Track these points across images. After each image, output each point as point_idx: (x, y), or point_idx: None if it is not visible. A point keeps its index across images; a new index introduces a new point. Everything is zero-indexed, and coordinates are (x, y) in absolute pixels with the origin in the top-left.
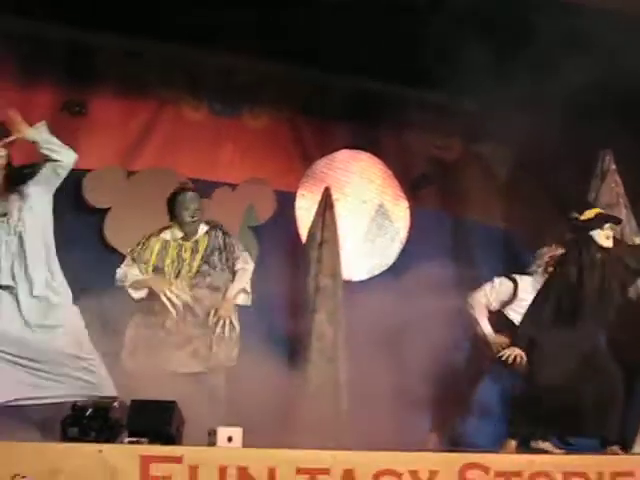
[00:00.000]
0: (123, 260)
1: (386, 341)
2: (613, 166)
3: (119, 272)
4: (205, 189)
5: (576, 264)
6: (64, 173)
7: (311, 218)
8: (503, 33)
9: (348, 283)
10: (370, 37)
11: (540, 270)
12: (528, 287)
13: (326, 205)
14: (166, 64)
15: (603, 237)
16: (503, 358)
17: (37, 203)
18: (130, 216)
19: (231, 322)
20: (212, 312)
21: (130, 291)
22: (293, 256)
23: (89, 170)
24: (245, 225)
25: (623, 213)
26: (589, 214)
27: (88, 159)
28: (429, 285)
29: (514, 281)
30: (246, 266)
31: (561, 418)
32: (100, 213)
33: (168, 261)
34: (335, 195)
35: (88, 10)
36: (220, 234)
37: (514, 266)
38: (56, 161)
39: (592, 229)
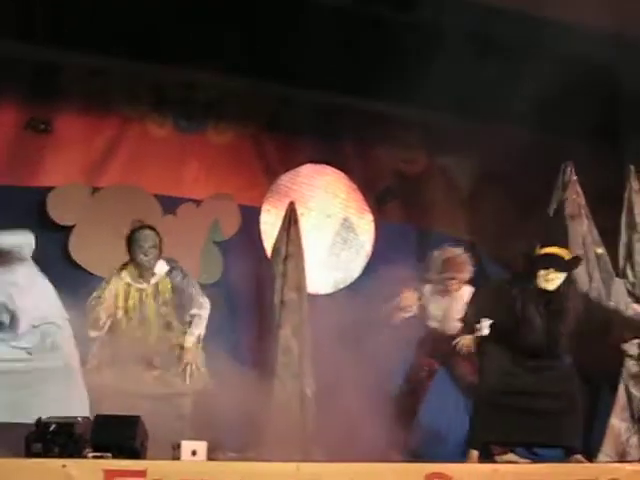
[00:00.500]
0: (89, 277)
1: (351, 354)
2: (574, 177)
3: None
4: (170, 205)
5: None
6: None
7: (276, 233)
8: (469, 47)
9: (313, 297)
10: (335, 51)
11: None
12: None
13: (291, 220)
14: (131, 81)
15: (542, 280)
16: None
17: None
18: (95, 233)
19: (197, 366)
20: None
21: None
22: (258, 271)
23: (53, 187)
24: (210, 240)
25: (585, 224)
26: (539, 251)
27: (53, 176)
28: (394, 298)
29: None
30: (201, 312)
31: (521, 427)
32: (65, 230)
33: (130, 303)
34: (300, 210)
35: (53, 27)
36: (179, 275)
37: (479, 276)
38: None
39: (537, 268)
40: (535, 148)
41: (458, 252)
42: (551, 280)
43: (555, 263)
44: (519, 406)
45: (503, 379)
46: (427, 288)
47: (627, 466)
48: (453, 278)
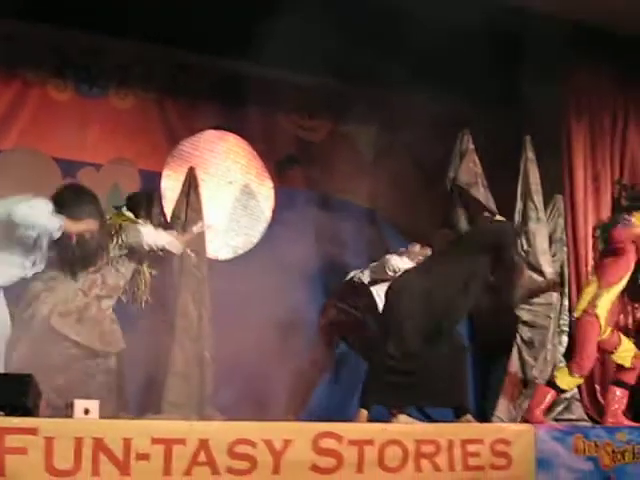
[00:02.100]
0: None
1: (250, 319)
2: (472, 146)
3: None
4: (70, 169)
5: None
6: None
7: (176, 198)
8: (370, 17)
9: (213, 262)
10: (237, 18)
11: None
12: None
13: (191, 185)
14: (34, 45)
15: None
16: None
17: None
18: None
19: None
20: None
21: None
22: None
23: None
24: (110, 205)
25: (481, 192)
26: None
27: None
28: (294, 264)
29: None
30: None
31: (410, 388)
32: None
33: None
34: (200, 175)
35: None
36: None
37: (380, 243)
38: None
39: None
40: (437, 116)
41: None
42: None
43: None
44: (410, 368)
45: (395, 346)
46: None
47: (512, 426)
48: None
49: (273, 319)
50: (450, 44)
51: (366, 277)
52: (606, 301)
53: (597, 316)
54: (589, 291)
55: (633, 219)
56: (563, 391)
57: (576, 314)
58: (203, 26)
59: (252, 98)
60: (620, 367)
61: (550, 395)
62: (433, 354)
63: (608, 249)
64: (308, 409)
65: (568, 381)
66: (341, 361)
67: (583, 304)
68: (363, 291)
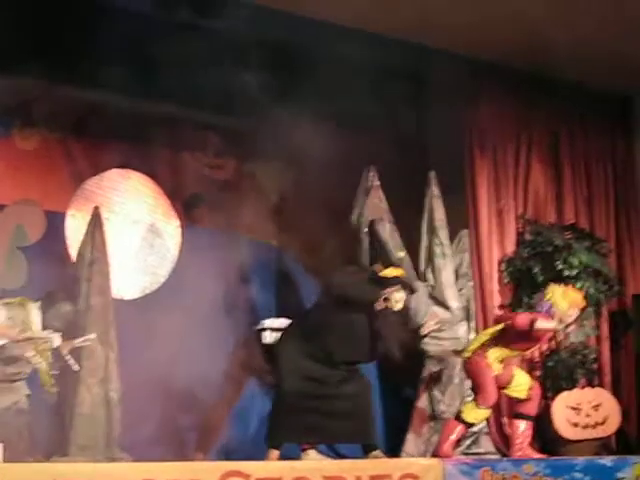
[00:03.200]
0: None
1: (158, 361)
2: (377, 182)
3: None
4: None
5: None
6: None
7: (81, 237)
8: (274, 54)
9: (120, 302)
10: (139, 57)
11: None
12: None
13: (95, 224)
14: None
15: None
16: None
17: None
18: None
19: None
20: None
21: None
22: (63, 276)
23: None
24: (14, 246)
25: (387, 228)
26: (389, 272)
27: None
28: (201, 303)
29: None
30: None
31: (318, 427)
32: None
33: None
34: (105, 214)
35: None
36: None
37: (288, 282)
38: None
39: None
40: (341, 154)
41: None
42: (399, 301)
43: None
44: (315, 407)
45: (299, 381)
46: None
47: (421, 461)
48: None
49: (180, 358)
50: (353, 81)
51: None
52: (497, 355)
53: (485, 357)
54: (483, 338)
55: (554, 309)
56: (471, 425)
57: (465, 354)
58: (107, 65)
59: (158, 136)
60: (519, 400)
61: (458, 429)
62: (338, 393)
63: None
64: (220, 447)
65: (475, 414)
66: (253, 398)
67: (474, 346)
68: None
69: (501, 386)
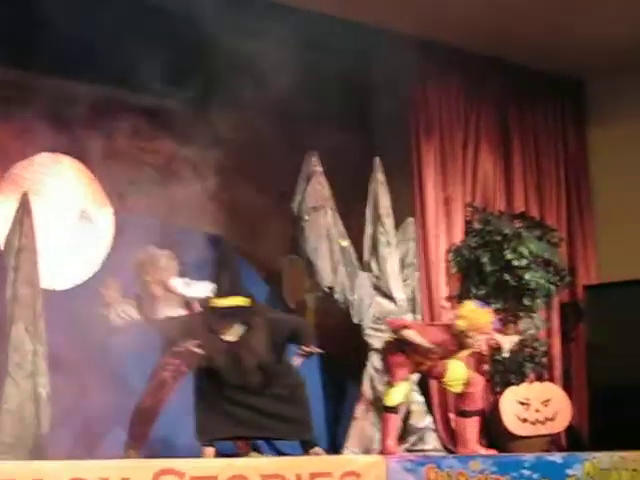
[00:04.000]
0: None
1: (90, 353)
2: (319, 168)
3: None
4: None
5: None
6: None
7: (8, 225)
8: (212, 35)
9: (50, 292)
10: (77, 36)
11: None
12: None
13: (24, 211)
14: None
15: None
16: None
17: None
18: None
19: None
20: None
21: None
22: None
23: None
24: None
25: (329, 215)
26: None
27: None
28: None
29: None
30: None
31: (248, 423)
32: None
33: None
34: (34, 201)
35: None
36: None
37: (227, 272)
38: None
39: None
40: (282, 139)
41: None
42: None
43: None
44: (246, 400)
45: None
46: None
47: (362, 458)
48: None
49: (113, 352)
50: (293, 62)
51: None
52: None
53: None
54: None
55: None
56: (393, 409)
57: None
58: (40, 45)
59: (90, 119)
60: (457, 395)
61: (391, 420)
62: (270, 391)
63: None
64: (154, 444)
65: (390, 396)
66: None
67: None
68: None
69: (436, 379)
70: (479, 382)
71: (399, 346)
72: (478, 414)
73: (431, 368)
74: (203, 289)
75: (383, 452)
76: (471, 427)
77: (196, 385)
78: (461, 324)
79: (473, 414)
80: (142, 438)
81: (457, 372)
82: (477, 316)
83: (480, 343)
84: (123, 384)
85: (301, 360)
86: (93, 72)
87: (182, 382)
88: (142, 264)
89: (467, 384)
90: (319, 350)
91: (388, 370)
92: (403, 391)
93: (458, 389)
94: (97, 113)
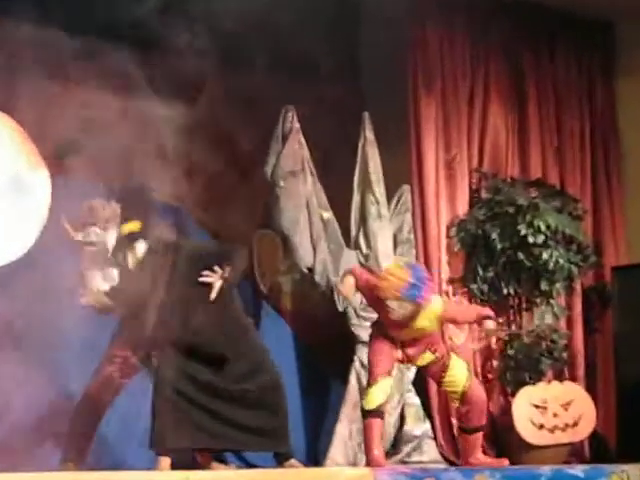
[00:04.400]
0: None
1: (24, 345)
2: (297, 125)
3: None
4: None
5: None
6: None
7: None
8: None
9: None
10: None
11: None
12: None
13: None
14: None
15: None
16: None
17: None
18: None
19: None
20: None
21: None
22: None
23: None
24: None
25: (309, 182)
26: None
27: None
28: (77, 273)
29: None
30: None
31: (214, 432)
32: None
33: None
34: None
35: None
36: None
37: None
38: None
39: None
40: (254, 90)
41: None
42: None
43: None
44: (209, 407)
45: (185, 376)
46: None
47: (347, 471)
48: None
49: (47, 345)
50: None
51: None
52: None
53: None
54: None
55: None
56: (374, 412)
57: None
58: None
59: (21, 66)
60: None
61: (376, 427)
62: (239, 389)
63: None
64: (96, 455)
65: (369, 397)
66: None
67: None
68: None
69: (433, 377)
70: (478, 397)
71: (380, 329)
72: (480, 430)
73: (430, 365)
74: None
75: (371, 464)
76: (474, 440)
77: (154, 382)
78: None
79: (473, 431)
80: (83, 447)
81: (457, 375)
82: (394, 276)
83: (399, 314)
84: (63, 378)
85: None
86: (28, 11)
87: (132, 378)
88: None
89: (465, 398)
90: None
91: (369, 363)
92: (384, 389)
93: (455, 401)
94: (30, 58)
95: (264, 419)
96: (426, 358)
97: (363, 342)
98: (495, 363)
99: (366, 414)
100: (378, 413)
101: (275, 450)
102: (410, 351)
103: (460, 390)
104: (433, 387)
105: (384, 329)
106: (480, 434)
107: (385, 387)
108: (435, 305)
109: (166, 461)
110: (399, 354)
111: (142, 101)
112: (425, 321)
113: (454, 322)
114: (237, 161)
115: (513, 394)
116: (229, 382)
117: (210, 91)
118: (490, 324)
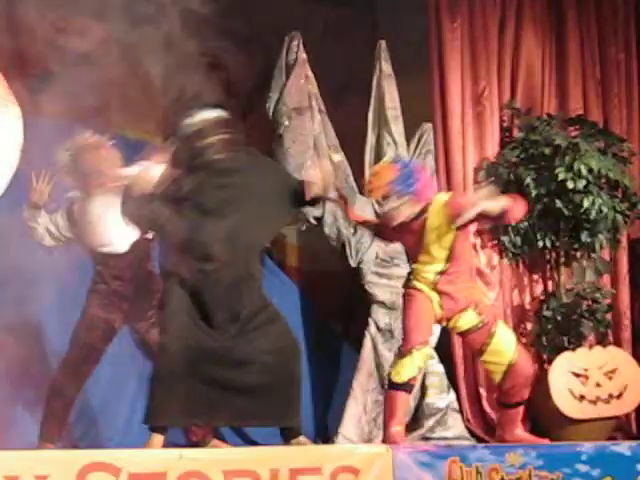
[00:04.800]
0: None
1: None
2: (303, 55)
3: None
4: None
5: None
6: None
7: None
8: None
9: None
10: None
11: None
12: None
13: None
14: None
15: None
16: None
17: None
18: None
19: None
20: None
21: None
22: None
23: None
24: None
25: (317, 120)
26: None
27: None
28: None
29: None
30: None
31: (215, 404)
32: None
33: None
34: None
35: None
36: None
37: None
38: None
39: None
40: (253, 15)
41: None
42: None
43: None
44: (211, 376)
45: (188, 340)
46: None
47: (362, 448)
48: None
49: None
50: None
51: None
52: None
53: (410, 283)
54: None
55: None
56: (402, 386)
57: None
58: None
59: None
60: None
61: (399, 400)
62: (247, 357)
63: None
64: (79, 432)
65: (400, 369)
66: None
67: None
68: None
69: (474, 349)
70: (526, 371)
71: (415, 279)
72: (522, 404)
73: (472, 331)
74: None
75: (387, 441)
76: (514, 414)
77: (157, 347)
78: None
79: (516, 405)
80: (62, 422)
81: (503, 344)
82: (380, 172)
83: (399, 213)
84: (41, 342)
85: None
86: None
87: (115, 336)
88: (80, 152)
89: (510, 373)
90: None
91: (403, 327)
92: (419, 361)
93: (496, 380)
94: None
95: (274, 389)
96: (469, 319)
97: (379, 302)
98: (529, 326)
99: (392, 385)
100: (405, 386)
101: (283, 425)
102: (450, 304)
103: (506, 363)
104: (459, 351)
105: (418, 276)
106: (521, 408)
107: (420, 359)
108: (441, 197)
109: (158, 438)
110: (438, 312)
111: (125, 30)
112: (435, 219)
113: (467, 215)
114: (234, 97)
115: (550, 361)
116: (239, 344)
117: (202, 13)
118: None
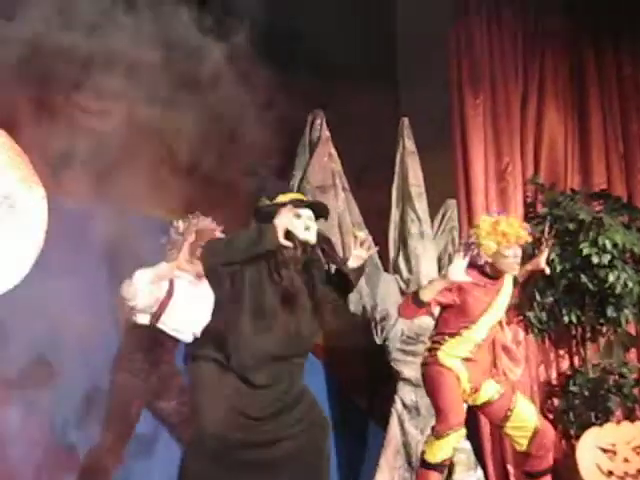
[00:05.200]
0: None
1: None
2: (327, 133)
3: None
4: None
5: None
6: None
7: None
8: None
9: None
10: None
11: None
12: None
13: None
14: None
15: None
16: None
17: None
18: None
19: None
20: None
21: None
22: None
23: None
24: None
25: (341, 197)
26: (283, 198)
27: None
28: (78, 300)
29: None
30: None
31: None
32: None
33: None
34: None
35: None
36: None
37: None
38: None
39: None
40: (277, 94)
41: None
42: (310, 228)
43: (315, 206)
44: (243, 458)
45: (226, 420)
46: None
47: None
48: None
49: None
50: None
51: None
52: (452, 350)
53: (437, 359)
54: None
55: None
56: (437, 466)
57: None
58: None
59: (15, 70)
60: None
61: (431, 478)
62: (282, 435)
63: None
64: None
65: (434, 449)
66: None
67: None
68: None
69: (493, 422)
70: (549, 438)
71: (451, 350)
72: (548, 472)
73: (492, 403)
74: None
75: None
76: None
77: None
78: (487, 242)
79: (542, 474)
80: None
81: (524, 415)
82: (503, 224)
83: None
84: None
85: None
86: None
87: None
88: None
89: (535, 441)
90: None
91: (434, 409)
92: (454, 443)
93: (523, 446)
94: (25, 62)
95: (304, 464)
96: (490, 390)
97: (405, 379)
98: (556, 401)
99: (426, 465)
100: (440, 467)
101: None
102: (477, 375)
103: (532, 428)
104: (485, 428)
105: (452, 351)
106: (549, 477)
107: (456, 440)
108: None
109: None
110: (467, 389)
111: (152, 108)
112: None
113: None
114: (257, 176)
115: (577, 437)
116: (281, 426)
117: (226, 93)
118: None
